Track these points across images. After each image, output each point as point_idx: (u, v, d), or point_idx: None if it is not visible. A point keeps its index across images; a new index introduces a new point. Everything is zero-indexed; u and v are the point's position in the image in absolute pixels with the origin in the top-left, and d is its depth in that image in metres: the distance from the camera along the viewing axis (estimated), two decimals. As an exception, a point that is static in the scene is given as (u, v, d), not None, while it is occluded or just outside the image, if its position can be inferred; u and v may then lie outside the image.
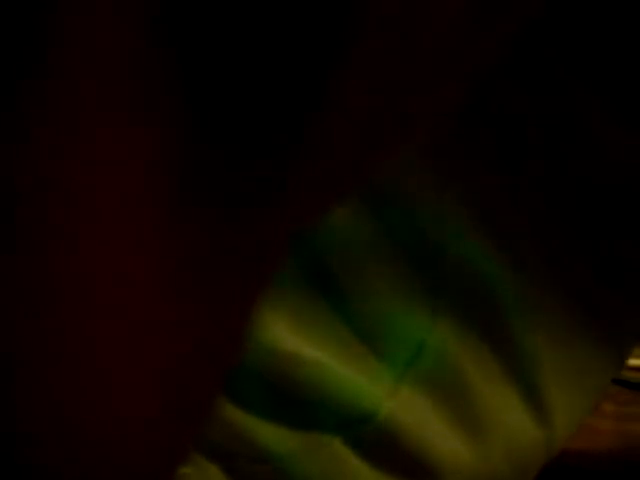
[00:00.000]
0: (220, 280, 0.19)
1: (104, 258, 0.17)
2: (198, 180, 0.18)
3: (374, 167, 0.22)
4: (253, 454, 0.39)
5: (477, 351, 0.38)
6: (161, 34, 0.16)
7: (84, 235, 0.17)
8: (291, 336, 0.37)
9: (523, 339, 0.38)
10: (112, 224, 0.17)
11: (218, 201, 0.18)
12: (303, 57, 0.17)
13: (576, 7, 0.33)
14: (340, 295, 0.37)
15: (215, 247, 0.18)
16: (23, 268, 0.17)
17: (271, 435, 0.38)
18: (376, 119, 0.20)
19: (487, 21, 0.20)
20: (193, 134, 0.17)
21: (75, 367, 0.18)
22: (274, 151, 0.18)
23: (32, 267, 0.17)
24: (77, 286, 0.17)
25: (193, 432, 0.21)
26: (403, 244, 0.37)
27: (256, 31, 0.17)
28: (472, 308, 0.37)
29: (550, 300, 0.38)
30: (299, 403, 0.38)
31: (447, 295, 0.37)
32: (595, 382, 0.40)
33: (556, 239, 0.38)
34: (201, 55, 0.17)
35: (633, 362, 0.66)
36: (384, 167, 0.35)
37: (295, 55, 0.17)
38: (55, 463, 0.19)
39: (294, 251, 0.36)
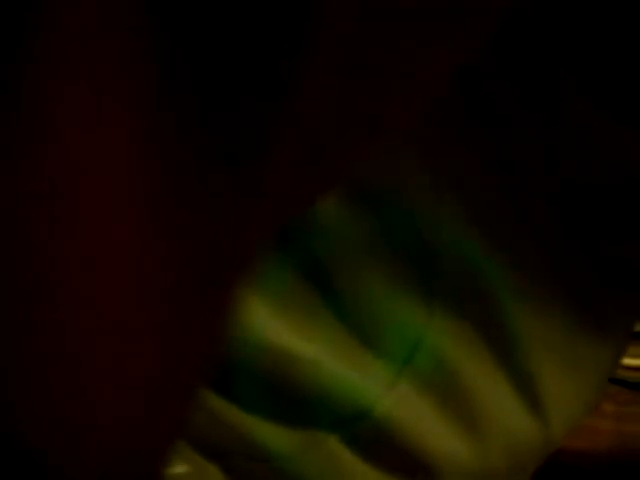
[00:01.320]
0: (205, 276, 0.19)
1: (95, 257, 0.17)
2: (185, 173, 0.18)
3: (357, 157, 0.22)
4: (250, 452, 0.39)
5: (474, 349, 0.38)
6: (146, 26, 0.16)
7: (77, 230, 0.17)
8: (288, 334, 0.37)
9: (520, 337, 0.38)
10: (101, 226, 0.17)
11: (202, 196, 0.18)
12: (286, 52, 0.17)
13: (574, 8, 0.33)
14: (337, 293, 0.37)
15: (200, 245, 0.19)
16: (19, 263, 0.17)
17: (268, 433, 0.38)
18: (356, 109, 0.20)
19: (472, 11, 0.20)
20: (178, 131, 0.17)
21: (71, 366, 0.18)
22: (257, 142, 0.18)
23: (27, 263, 0.17)
24: (71, 283, 0.17)
25: (180, 425, 0.21)
26: (401, 243, 0.37)
27: (233, 19, 0.17)
28: (469, 307, 0.37)
29: (547, 299, 0.38)
30: (296, 401, 0.38)
31: (444, 294, 0.37)
32: (592, 379, 0.40)
33: (555, 238, 0.38)
34: (185, 47, 0.17)
35: (633, 362, 0.66)
36: (384, 167, 0.36)
37: (279, 50, 0.17)
38: (53, 461, 0.19)
39: (292, 249, 0.36)
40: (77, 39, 0.16)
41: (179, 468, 0.39)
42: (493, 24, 0.22)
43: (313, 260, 0.37)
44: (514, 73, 0.35)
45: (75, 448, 0.19)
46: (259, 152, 0.18)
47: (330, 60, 0.18)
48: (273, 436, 0.38)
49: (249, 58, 0.17)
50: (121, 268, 0.18)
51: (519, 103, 0.36)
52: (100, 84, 0.16)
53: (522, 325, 0.38)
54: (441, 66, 0.21)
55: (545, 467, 0.43)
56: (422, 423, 0.38)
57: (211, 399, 0.37)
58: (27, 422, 0.18)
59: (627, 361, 0.66)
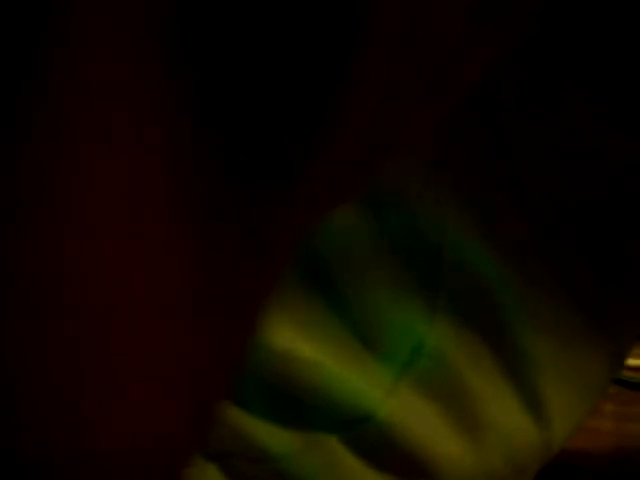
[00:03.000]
0: (230, 288, 0.19)
1: (116, 267, 0.17)
2: (207, 188, 0.18)
3: (376, 170, 0.22)
4: (251, 454, 0.39)
5: (476, 352, 0.38)
6: (172, 40, 0.16)
7: (94, 243, 0.17)
8: (290, 336, 0.37)
9: (522, 340, 0.38)
10: (121, 237, 0.17)
11: (226, 211, 0.18)
12: (309, 65, 0.17)
13: (577, 14, 0.33)
14: (339, 296, 0.37)
15: (225, 259, 0.18)
16: (33, 272, 0.17)
17: (269, 435, 0.38)
18: (378, 124, 0.20)
19: (486, 28, 0.20)
20: (202, 144, 0.17)
21: (85, 373, 0.18)
22: (281, 160, 0.18)
23: (42, 271, 0.17)
24: (89, 294, 0.17)
25: (201, 436, 0.21)
26: (403, 246, 0.37)
27: (264, 43, 0.17)
28: (471, 309, 0.37)
29: (549, 301, 0.38)
30: (297, 403, 0.38)
31: (446, 296, 0.37)
32: (594, 384, 0.40)
33: (556, 240, 0.38)
34: (211, 61, 0.17)
35: (633, 362, 0.66)
36: (385, 169, 0.35)
37: (301, 63, 0.17)
38: (61, 466, 0.19)
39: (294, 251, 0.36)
40: (106, 47, 0.16)
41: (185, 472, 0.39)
42: (512, 39, 0.22)
43: (316, 262, 0.37)
44: (515, 77, 0.35)
45: (86, 457, 0.19)
46: (300, 165, 0.18)
47: (377, 66, 0.18)
48: (273, 437, 0.38)
49: (297, 65, 0.17)
50: (147, 277, 0.17)
51: (519, 106, 0.36)
52: (128, 91, 0.16)
53: (524, 330, 0.38)
54: (467, 72, 0.21)
55: (545, 467, 0.43)
56: (423, 427, 0.38)
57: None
58: (51, 420, 0.18)
59: (628, 361, 0.66)
